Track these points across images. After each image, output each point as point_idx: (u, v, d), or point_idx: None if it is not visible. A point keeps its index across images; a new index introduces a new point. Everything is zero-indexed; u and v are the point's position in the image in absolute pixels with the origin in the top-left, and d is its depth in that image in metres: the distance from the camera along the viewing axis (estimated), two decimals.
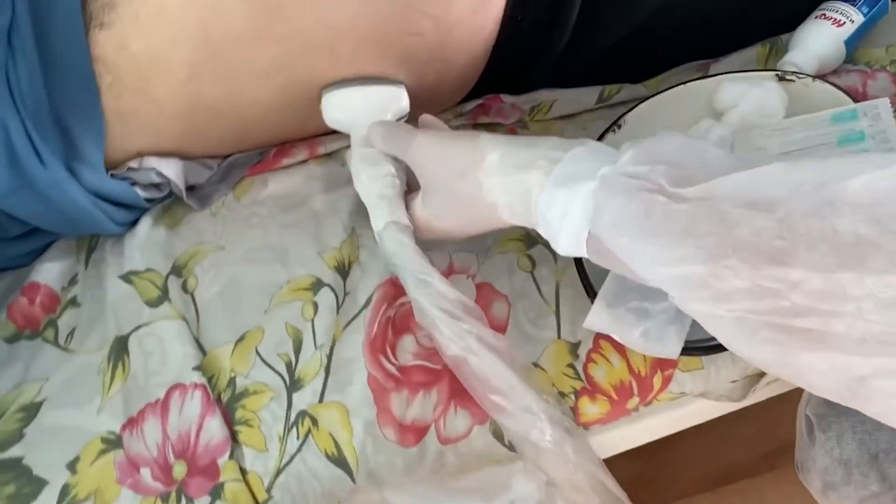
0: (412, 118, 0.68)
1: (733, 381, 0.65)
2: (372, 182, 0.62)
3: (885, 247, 0.34)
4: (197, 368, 0.61)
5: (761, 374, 0.65)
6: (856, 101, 0.63)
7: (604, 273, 0.63)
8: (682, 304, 0.43)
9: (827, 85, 0.66)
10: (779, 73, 0.68)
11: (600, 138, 0.71)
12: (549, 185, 0.48)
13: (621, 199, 0.43)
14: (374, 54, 0.66)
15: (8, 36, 0.59)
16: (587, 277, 0.62)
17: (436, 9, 0.64)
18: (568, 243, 0.48)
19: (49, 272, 0.69)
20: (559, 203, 0.47)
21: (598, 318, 0.58)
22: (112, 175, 0.68)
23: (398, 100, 0.68)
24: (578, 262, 0.63)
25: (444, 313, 0.54)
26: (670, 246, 0.41)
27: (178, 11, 0.60)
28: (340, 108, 0.67)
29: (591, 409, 0.60)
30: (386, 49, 0.66)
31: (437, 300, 0.55)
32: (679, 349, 0.56)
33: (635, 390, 0.61)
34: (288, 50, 0.64)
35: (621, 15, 0.72)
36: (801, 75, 0.67)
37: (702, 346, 0.57)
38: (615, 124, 0.70)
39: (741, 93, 0.67)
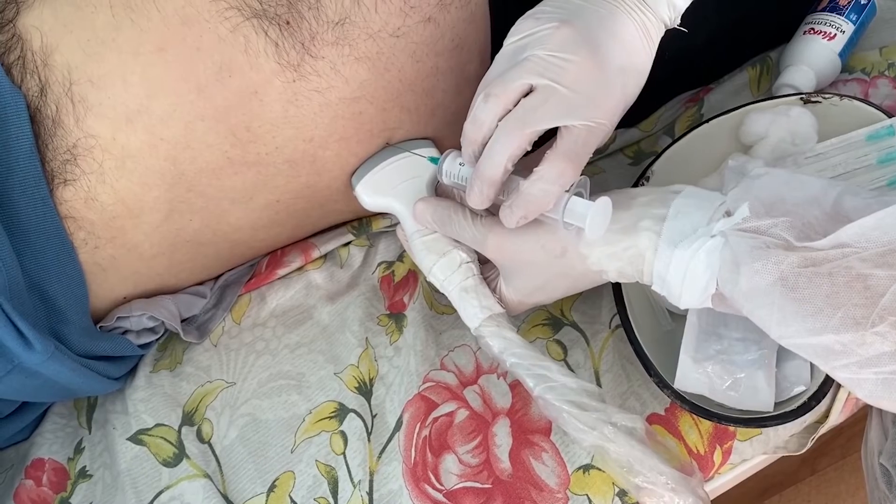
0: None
1: (792, 435, 0.63)
2: (446, 275, 0.57)
3: None
4: None
5: (819, 423, 0.62)
6: (889, 115, 0.60)
7: (658, 339, 0.60)
8: (823, 368, 0.43)
9: (856, 102, 0.62)
10: (803, 96, 0.64)
11: None
12: (663, 247, 0.48)
13: (752, 262, 0.43)
14: (357, 147, 0.61)
15: None
16: (643, 350, 0.58)
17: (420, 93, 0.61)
18: (693, 301, 0.48)
19: (51, 444, 0.63)
20: (676, 263, 0.47)
21: (686, 377, 0.57)
22: (101, 328, 0.63)
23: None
24: (631, 335, 0.59)
25: (572, 406, 0.51)
26: (812, 317, 0.41)
27: (144, 155, 0.55)
28: (377, 192, 0.61)
29: None
30: (371, 136, 0.61)
31: (561, 393, 0.52)
32: (772, 401, 0.55)
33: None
34: (267, 170, 0.59)
35: None
36: (826, 95, 0.63)
37: (773, 416, 0.55)
38: (643, 176, 0.65)
39: (769, 123, 0.63)
